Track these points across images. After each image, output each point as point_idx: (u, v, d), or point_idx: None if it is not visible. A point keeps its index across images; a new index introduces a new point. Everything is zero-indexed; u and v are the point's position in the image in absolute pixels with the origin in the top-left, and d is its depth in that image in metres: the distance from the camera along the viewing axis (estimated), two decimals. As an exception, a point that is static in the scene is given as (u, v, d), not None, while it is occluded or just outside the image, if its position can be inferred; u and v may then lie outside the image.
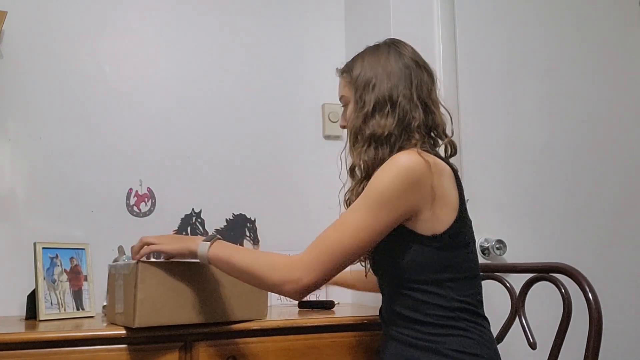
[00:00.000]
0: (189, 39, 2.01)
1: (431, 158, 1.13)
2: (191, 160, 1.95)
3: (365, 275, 1.31)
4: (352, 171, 1.24)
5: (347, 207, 1.24)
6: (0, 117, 1.78)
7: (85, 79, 1.87)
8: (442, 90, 1.85)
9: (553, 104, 2.01)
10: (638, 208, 2.06)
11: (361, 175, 1.21)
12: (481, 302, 1.19)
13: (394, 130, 1.18)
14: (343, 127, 1.33)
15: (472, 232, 1.20)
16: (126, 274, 1.28)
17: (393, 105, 1.19)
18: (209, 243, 1.20)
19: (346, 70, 1.30)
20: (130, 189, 1.87)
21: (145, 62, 1.95)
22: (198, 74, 2.00)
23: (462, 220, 1.16)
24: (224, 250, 1.19)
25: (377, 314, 1.30)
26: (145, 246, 1.24)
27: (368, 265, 1.29)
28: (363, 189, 1.15)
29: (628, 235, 2.03)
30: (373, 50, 1.28)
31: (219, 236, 1.24)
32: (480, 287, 1.20)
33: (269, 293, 1.38)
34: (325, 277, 1.10)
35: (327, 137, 2.11)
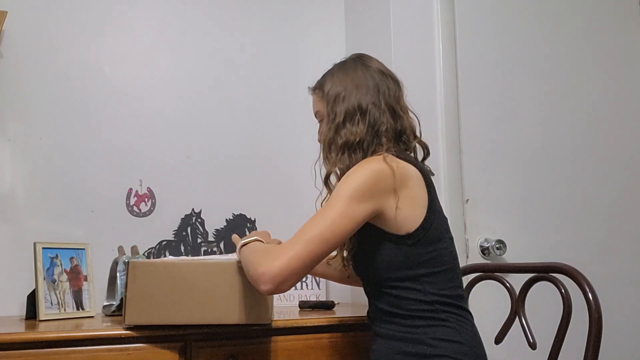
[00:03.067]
0: (188, 39, 2.01)
1: (395, 163, 1.19)
2: (191, 160, 1.95)
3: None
4: (326, 180, 1.30)
5: None
6: (0, 117, 1.78)
7: (85, 79, 1.87)
8: (443, 92, 1.86)
9: (553, 104, 2.01)
10: (638, 208, 2.06)
11: (336, 183, 1.26)
12: (461, 295, 1.23)
13: (366, 136, 1.25)
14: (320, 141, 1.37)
15: (446, 229, 1.25)
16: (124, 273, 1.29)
17: (363, 113, 1.26)
18: (244, 241, 1.26)
19: (318, 87, 1.36)
20: (130, 189, 1.87)
21: (145, 62, 1.95)
22: (198, 74, 2.00)
23: (432, 218, 1.20)
24: (246, 249, 1.23)
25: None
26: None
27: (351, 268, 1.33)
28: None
29: (628, 235, 2.03)
30: (341, 66, 1.35)
31: (259, 238, 1.26)
32: (460, 280, 1.25)
33: (273, 297, 1.37)
34: (298, 262, 1.10)
35: (327, 137, 2.11)
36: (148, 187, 1.89)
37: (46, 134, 1.81)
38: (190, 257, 1.41)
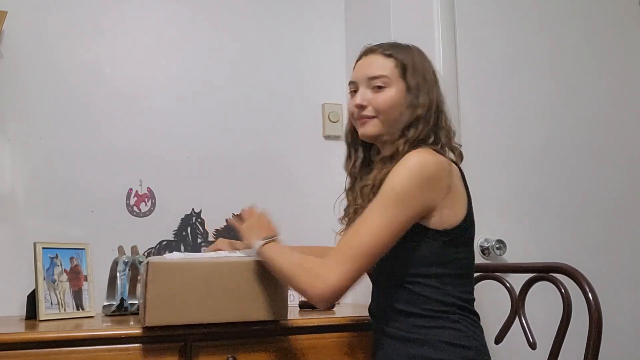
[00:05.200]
0: (188, 39, 2.01)
1: (442, 157, 1.18)
2: (191, 160, 1.95)
3: None
4: (383, 160, 1.23)
5: (359, 200, 1.25)
6: (0, 117, 1.78)
7: (85, 79, 1.87)
8: (443, 92, 1.86)
9: (553, 103, 2.01)
10: (638, 208, 2.06)
11: (388, 164, 1.21)
12: (474, 299, 1.22)
13: (430, 135, 1.23)
14: (362, 106, 1.27)
15: (474, 232, 1.23)
16: (143, 273, 1.28)
17: (435, 113, 1.25)
18: (262, 242, 1.24)
19: (393, 55, 1.27)
20: (130, 189, 1.87)
21: (145, 62, 1.95)
22: (198, 74, 2.00)
23: (470, 218, 1.20)
24: (270, 251, 1.23)
25: (377, 313, 1.30)
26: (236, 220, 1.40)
27: None
28: (374, 178, 1.19)
29: (628, 235, 2.03)
30: (417, 51, 1.30)
31: (276, 237, 1.26)
32: (473, 284, 1.25)
33: (289, 294, 1.39)
34: (350, 281, 1.10)
35: (327, 137, 2.11)
36: (148, 187, 1.89)
37: (46, 134, 1.81)
38: (199, 254, 1.40)
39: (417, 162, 1.14)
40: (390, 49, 1.28)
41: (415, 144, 1.21)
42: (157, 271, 1.24)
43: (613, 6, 2.15)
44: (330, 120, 2.10)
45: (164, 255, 1.37)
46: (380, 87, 1.25)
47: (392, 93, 1.25)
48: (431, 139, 1.24)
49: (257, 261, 1.28)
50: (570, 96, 2.03)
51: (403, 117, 1.23)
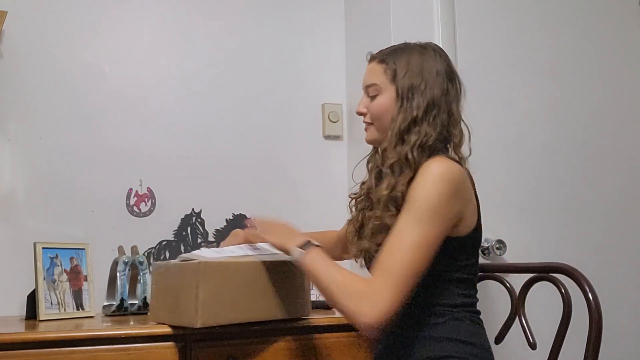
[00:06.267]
0: (188, 38, 2.01)
1: (459, 164, 1.18)
2: (191, 160, 1.95)
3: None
4: (391, 167, 1.21)
5: (375, 209, 1.23)
6: (0, 117, 1.78)
7: (85, 79, 1.87)
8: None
9: (553, 104, 2.01)
10: (638, 208, 2.06)
11: (399, 174, 1.19)
12: (477, 300, 1.24)
13: (434, 140, 1.20)
14: (361, 113, 1.31)
15: (481, 238, 1.25)
16: (180, 273, 1.28)
17: (438, 114, 1.21)
18: (302, 250, 1.21)
19: (385, 60, 1.27)
20: (130, 189, 1.87)
21: (145, 62, 1.95)
22: (198, 74, 2.00)
23: (480, 227, 1.22)
24: (311, 262, 1.19)
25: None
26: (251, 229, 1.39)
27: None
28: (405, 190, 1.16)
29: (628, 235, 2.03)
30: (419, 50, 1.27)
31: (316, 243, 1.23)
32: (476, 287, 1.26)
33: (311, 293, 1.44)
34: (399, 303, 1.08)
35: (327, 137, 2.11)
36: (148, 187, 1.89)
37: (46, 134, 1.81)
38: (228, 250, 1.40)
39: (442, 171, 1.12)
40: (385, 55, 1.28)
41: (425, 149, 1.19)
42: (210, 270, 1.24)
43: (613, 6, 2.15)
44: (330, 120, 2.10)
45: (196, 252, 1.36)
46: (374, 96, 1.28)
47: (382, 100, 1.25)
48: (442, 143, 1.22)
49: (289, 262, 1.32)
50: (571, 96, 2.03)
51: (397, 123, 1.21)
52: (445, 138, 1.24)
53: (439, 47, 1.31)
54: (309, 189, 2.05)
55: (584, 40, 2.09)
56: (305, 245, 1.22)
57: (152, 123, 1.92)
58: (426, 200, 1.10)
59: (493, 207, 1.84)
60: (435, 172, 1.12)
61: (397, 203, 1.16)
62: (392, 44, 1.33)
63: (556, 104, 2.01)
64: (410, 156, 1.18)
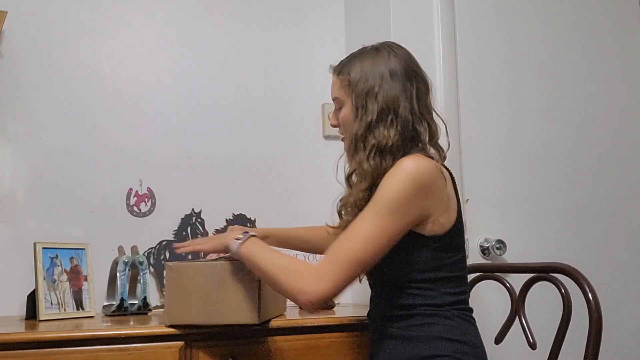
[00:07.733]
0: (188, 39, 2.01)
1: (434, 162, 1.16)
2: (191, 160, 1.95)
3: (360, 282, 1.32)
4: (349, 178, 1.24)
5: (342, 216, 1.24)
6: (0, 117, 1.78)
7: (85, 79, 1.87)
8: (443, 92, 1.86)
9: (553, 104, 2.01)
10: (638, 208, 2.06)
11: (359, 182, 1.20)
12: (468, 297, 1.24)
13: (397, 140, 1.18)
14: (334, 125, 1.33)
15: (464, 233, 1.25)
16: (223, 272, 1.27)
17: (395, 114, 1.19)
18: (239, 241, 1.22)
19: (342, 71, 1.27)
20: (130, 189, 1.87)
21: (145, 62, 1.95)
22: (198, 74, 2.00)
23: (460, 222, 1.20)
24: (251, 249, 1.20)
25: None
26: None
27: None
28: (365, 197, 1.16)
29: (628, 235, 2.03)
30: (372, 54, 1.25)
31: (253, 233, 1.24)
32: (467, 284, 1.26)
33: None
34: (340, 288, 1.10)
35: (327, 137, 2.11)
36: (148, 187, 1.89)
37: (46, 134, 1.81)
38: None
39: (410, 169, 1.11)
40: (342, 66, 1.28)
41: (387, 152, 1.18)
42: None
43: (613, 6, 2.15)
44: (331, 120, 2.10)
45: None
46: (340, 108, 1.29)
47: (345, 111, 1.26)
48: (411, 142, 1.20)
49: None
50: (570, 96, 2.03)
51: (352, 131, 1.22)
52: (413, 137, 1.21)
53: (396, 45, 1.28)
54: (309, 189, 2.05)
55: (584, 41, 2.09)
56: (243, 234, 1.23)
57: (152, 123, 1.92)
58: (389, 195, 1.11)
59: (493, 207, 1.85)
60: (404, 169, 1.12)
61: (357, 210, 1.16)
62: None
63: (556, 104, 2.01)
64: (366, 165, 1.18)
